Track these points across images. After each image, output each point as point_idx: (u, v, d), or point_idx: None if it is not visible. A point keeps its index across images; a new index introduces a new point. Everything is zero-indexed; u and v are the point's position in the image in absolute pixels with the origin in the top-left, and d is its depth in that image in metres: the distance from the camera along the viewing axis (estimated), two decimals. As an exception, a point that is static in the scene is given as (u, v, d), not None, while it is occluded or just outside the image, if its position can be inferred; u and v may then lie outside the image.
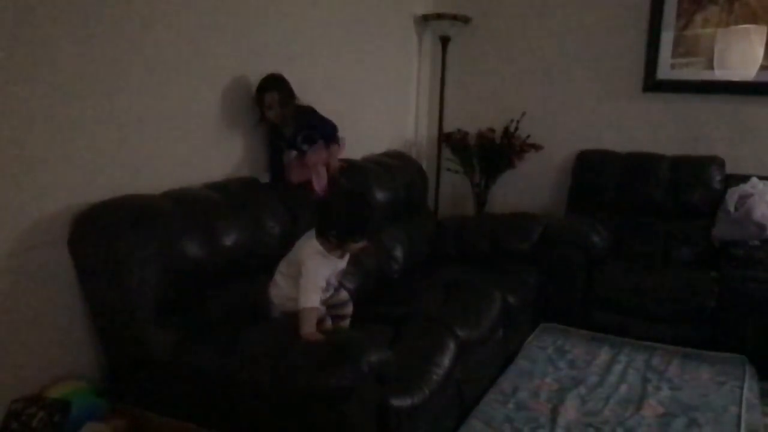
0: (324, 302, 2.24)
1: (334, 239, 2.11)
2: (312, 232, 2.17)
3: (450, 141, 4.17)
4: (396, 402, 1.93)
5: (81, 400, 1.91)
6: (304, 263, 2.11)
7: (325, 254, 2.13)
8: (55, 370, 2.01)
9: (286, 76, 2.72)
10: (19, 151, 1.87)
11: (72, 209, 2.01)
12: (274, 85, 2.67)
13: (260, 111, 2.70)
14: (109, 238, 1.96)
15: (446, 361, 2.24)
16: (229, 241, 2.26)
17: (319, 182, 2.74)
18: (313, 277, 2.09)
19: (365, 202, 2.23)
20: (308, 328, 2.01)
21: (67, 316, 2.06)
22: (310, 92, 2.84)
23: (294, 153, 2.79)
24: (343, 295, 2.36)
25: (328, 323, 2.22)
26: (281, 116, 2.69)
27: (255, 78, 2.71)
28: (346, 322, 2.35)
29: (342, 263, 2.22)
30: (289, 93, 2.70)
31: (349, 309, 2.37)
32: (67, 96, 1.99)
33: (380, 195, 3.21)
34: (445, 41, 4.13)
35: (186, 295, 2.11)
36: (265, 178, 2.80)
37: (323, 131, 2.82)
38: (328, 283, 2.20)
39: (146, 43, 2.24)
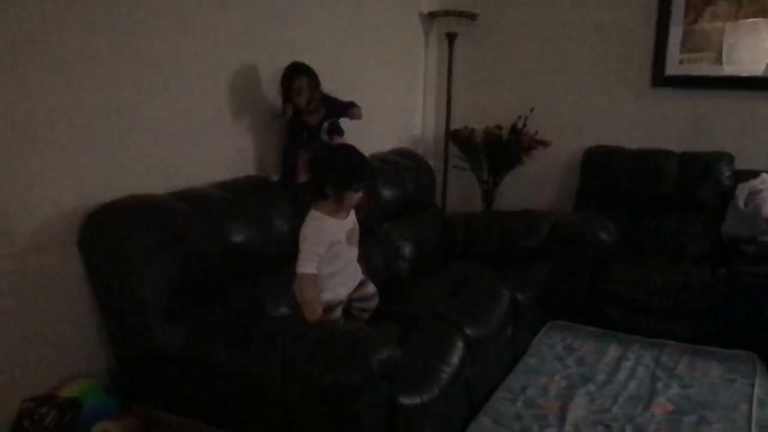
0: (351, 294, 2.25)
1: (331, 192, 2.08)
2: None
3: (457, 138, 4.16)
4: (405, 400, 1.93)
5: (92, 399, 1.93)
6: (301, 232, 2.10)
7: (323, 218, 2.11)
8: (66, 370, 2.03)
9: (294, 74, 2.73)
10: (29, 153, 1.88)
11: (81, 210, 2.02)
12: (303, 70, 2.65)
13: (285, 99, 2.67)
14: (119, 237, 1.98)
15: (455, 359, 2.24)
16: (238, 239, 2.27)
17: None
18: (308, 244, 2.07)
19: (355, 150, 2.20)
20: (306, 296, 2.02)
21: (78, 316, 2.07)
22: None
23: (307, 155, 2.78)
24: (370, 288, 2.35)
25: (337, 315, 2.22)
26: (310, 101, 2.66)
27: (262, 76, 2.71)
28: (366, 315, 2.35)
29: (347, 223, 2.19)
30: (317, 79, 2.68)
31: (374, 302, 2.35)
32: (75, 97, 2.00)
33: (388, 193, 3.22)
34: (451, 38, 4.12)
35: (195, 293, 2.12)
36: (273, 177, 2.80)
37: (344, 111, 2.81)
38: (334, 244, 2.13)
39: (154, 42, 2.25)
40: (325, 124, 2.76)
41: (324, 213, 2.12)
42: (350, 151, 2.18)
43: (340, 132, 2.83)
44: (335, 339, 1.95)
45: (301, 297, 2.06)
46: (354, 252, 2.26)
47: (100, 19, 2.05)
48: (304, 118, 2.73)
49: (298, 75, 2.64)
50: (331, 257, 2.13)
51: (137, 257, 1.96)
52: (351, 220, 2.22)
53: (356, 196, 2.13)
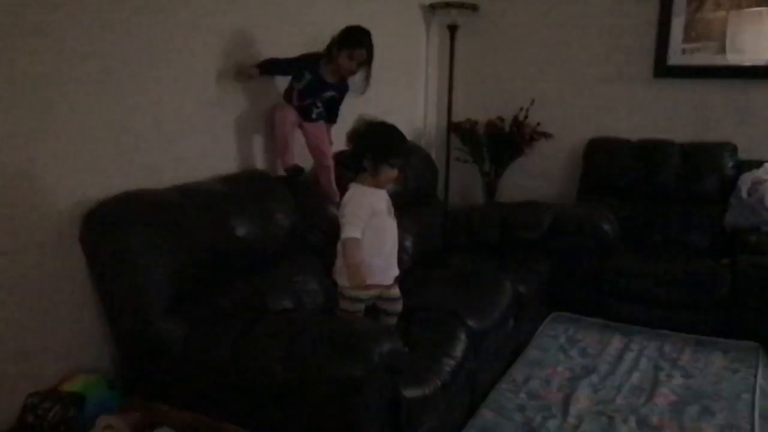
0: (379, 293, 2.26)
1: (369, 163, 2.16)
2: None
3: (459, 130, 4.15)
4: (408, 393, 1.93)
5: (95, 393, 1.93)
6: (341, 203, 2.19)
7: (362, 187, 2.20)
8: (69, 365, 2.03)
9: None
10: (29, 149, 1.88)
11: (82, 206, 2.02)
12: (370, 44, 2.57)
13: (332, 54, 2.56)
14: (120, 233, 1.98)
15: (458, 351, 2.24)
16: (239, 233, 2.27)
17: (327, 176, 2.73)
18: (349, 208, 2.15)
19: (396, 128, 2.27)
20: (351, 260, 2.08)
21: (80, 311, 2.07)
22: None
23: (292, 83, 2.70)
24: (395, 291, 2.33)
25: (359, 313, 2.23)
26: (348, 71, 2.61)
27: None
28: (393, 320, 2.33)
29: (385, 195, 2.27)
30: (371, 62, 2.60)
31: (399, 306, 2.34)
32: (76, 93, 1.99)
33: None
34: (453, 30, 4.10)
35: (197, 287, 2.12)
36: (274, 171, 2.80)
37: (333, 112, 2.80)
38: (375, 213, 2.18)
39: (155, 37, 2.24)
40: (326, 94, 2.70)
41: (362, 184, 2.21)
42: (391, 127, 2.25)
43: (320, 115, 2.78)
44: (337, 331, 1.95)
45: (346, 263, 2.12)
46: (395, 226, 2.30)
47: (99, 15, 2.04)
48: (321, 65, 2.64)
49: (364, 46, 2.55)
50: (372, 228, 2.17)
51: (138, 252, 1.96)
52: (385, 193, 2.29)
53: (392, 172, 2.21)
